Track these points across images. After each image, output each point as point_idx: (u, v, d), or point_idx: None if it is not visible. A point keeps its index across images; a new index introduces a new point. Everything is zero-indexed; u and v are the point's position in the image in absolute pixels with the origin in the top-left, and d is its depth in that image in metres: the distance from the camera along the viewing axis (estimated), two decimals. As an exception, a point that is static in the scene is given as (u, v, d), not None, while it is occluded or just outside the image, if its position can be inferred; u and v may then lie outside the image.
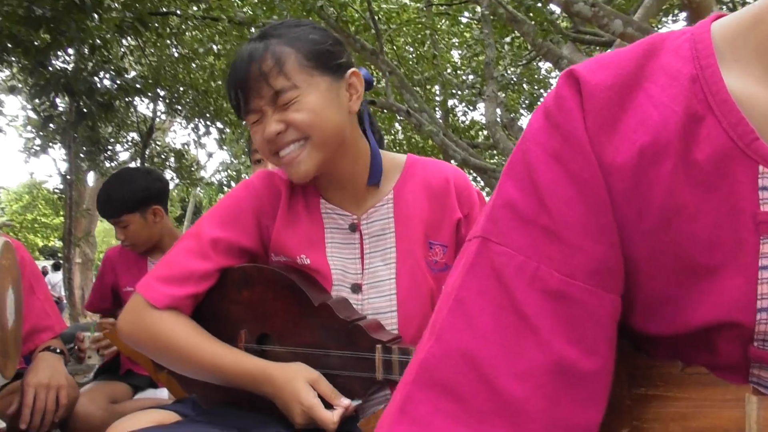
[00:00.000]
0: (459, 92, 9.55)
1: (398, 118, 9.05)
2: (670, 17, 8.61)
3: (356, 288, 1.09)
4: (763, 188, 0.41)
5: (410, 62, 9.58)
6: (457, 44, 10.55)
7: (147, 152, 10.84)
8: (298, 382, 0.98)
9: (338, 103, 1.04)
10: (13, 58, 4.92)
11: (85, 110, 4.83)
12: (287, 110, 1.00)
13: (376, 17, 7.34)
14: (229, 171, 17.01)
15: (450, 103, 10.33)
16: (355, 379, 1.01)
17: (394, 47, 9.24)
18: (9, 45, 4.26)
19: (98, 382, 2.12)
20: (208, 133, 11.61)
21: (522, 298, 0.44)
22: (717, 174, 0.43)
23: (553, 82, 10.14)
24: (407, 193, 1.13)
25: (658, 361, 0.46)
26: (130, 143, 11.43)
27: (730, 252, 0.42)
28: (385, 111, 7.46)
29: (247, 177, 1.74)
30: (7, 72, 7.84)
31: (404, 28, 9.11)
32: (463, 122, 11.26)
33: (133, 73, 8.94)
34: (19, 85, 8.13)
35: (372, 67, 7.20)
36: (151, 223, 2.12)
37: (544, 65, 10.16)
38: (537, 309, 0.44)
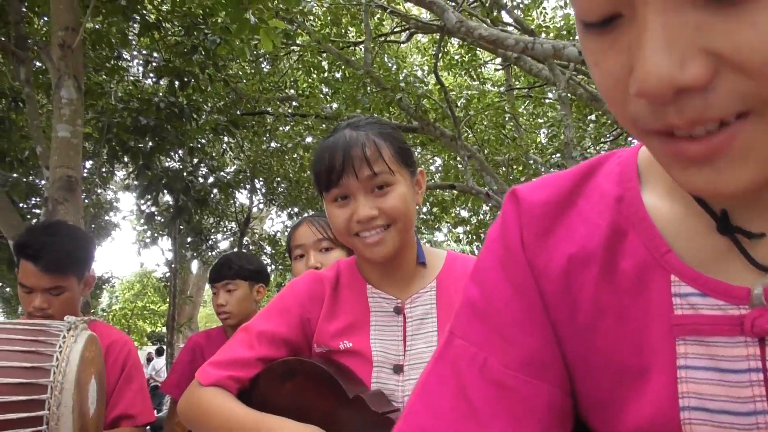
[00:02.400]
0: (544, 171, 9.48)
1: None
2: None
3: (398, 369, 1.11)
4: (675, 295, 0.45)
5: (493, 145, 9.69)
6: (541, 123, 10.61)
7: (245, 240, 11.46)
8: None
9: (413, 197, 1.15)
10: (126, 160, 5.52)
11: (181, 206, 5.29)
12: (381, 196, 1.09)
13: (456, 104, 7.58)
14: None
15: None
16: (386, 470, 1.00)
17: (476, 131, 9.42)
18: (119, 151, 4.80)
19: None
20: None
21: (471, 386, 0.50)
22: (638, 282, 0.47)
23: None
24: (449, 282, 1.18)
25: None
26: (229, 232, 12.11)
27: (654, 353, 0.45)
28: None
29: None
30: (124, 172, 8.71)
31: (485, 113, 9.30)
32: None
33: (233, 168, 9.65)
34: (135, 183, 8.98)
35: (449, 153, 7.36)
36: (252, 298, 2.28)
37: (633, 140, 9.93)
38: (482, 396, 0.49)
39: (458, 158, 8.22)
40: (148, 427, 1.91)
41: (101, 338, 1.56)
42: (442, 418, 0.50)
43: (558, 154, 9.39)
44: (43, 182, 6.53)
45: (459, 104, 8.76)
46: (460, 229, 11.82)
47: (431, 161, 11.29)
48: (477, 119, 9.31)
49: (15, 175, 5.09)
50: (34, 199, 6.40)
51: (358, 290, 1.19)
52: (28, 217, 6.28)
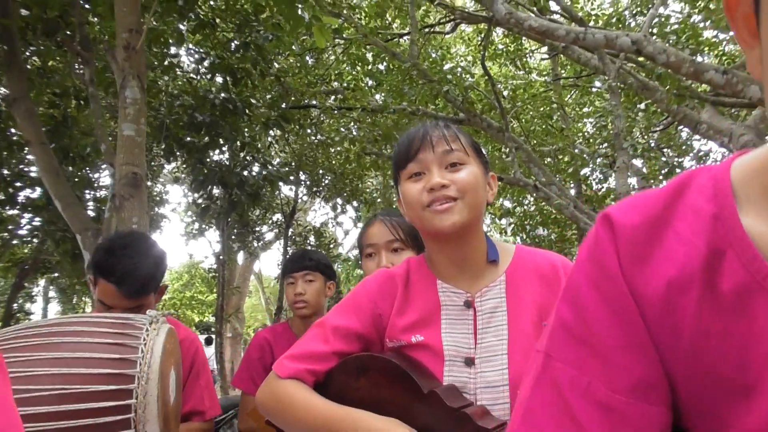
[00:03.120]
0: (592, 162, 9.30)
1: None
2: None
3: (469, 362, 1.14)
4: None
5: (539, 135, 9.55)
6: (588, 113, 10.38)
7: (290, 232, 11.63)
8: (402, 429, 1.05)
9: (484, 187, 1.20)
10: (178, 154, 5.69)
11: (235, 200, 5.43)
12: (454, 171, 1.16)
13: (502, 95, 7.50)
14: (363, 247, 17.58)
15: (584, 171, 10.08)
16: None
17: (522, 121, 9.30)
18: (175, 146, 4.96)
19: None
20: (344, 211, 12.25)
21: (577, 408, 0.51)
22: (739, 303, 0.47)
23: (696, 146, 9.57)
24: (518, 277, 1.21)
25: None
26: (274, 224, 12.29)
27: (762, 373, 0.46)
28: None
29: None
30: (173, 165, 8.93)
31: (531, 103, 9.17)
32: (597, 190, 10.88)
33: (277, 160, 9.80)
34: (182, 176, 9.20)
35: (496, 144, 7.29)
36: (324, 293, 2.38)
37: (685, 129, 9.64)
38: (589, 418, 0.50)
39: (503, 149, 8.14)
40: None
41: (173, 334, 1.64)
42: None
43: (605, 144, 9.20)
44: (98, 176, 6.80)
45: (505, 95, 8.67)
46: (504, 221, 11.71)
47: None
48: (523, 110, 9.19)
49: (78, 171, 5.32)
50: (90, 192, 6.66)
51: (428, 285, 1.23)
52: (89, 208, 6.51)
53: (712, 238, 0.49)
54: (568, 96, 10.43)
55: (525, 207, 11.11)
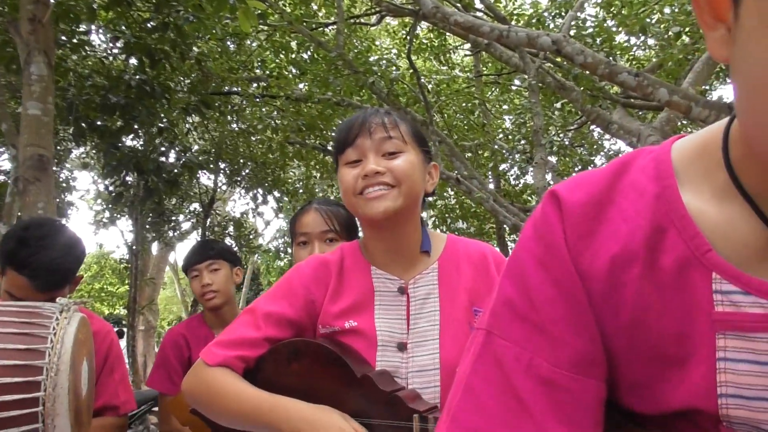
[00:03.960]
0: (510, 158, 9.62)
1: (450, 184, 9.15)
2: (718, 82, 8.51)
3: (402, 346, 1.16)
4: (716, 291, 0.48)
5: (461, 130, 9.76)
6: (508, 110, 10.71)
7: (208, 222, 11.28)
8: (335, 416, 1.06)
9: (422, 177, 1.22)
10: (89, 137, 5.37)
11: (151, 187, 5.19)
12: (391, 159, 1.16)
13: (426, 89, 7.59)
14: (285, 238, 17.45)
15: (502, 167, 10.41)
16: (395, 447, 1.04)
17: (445, 116, 9.46)
18: (86, 129, 4.66)
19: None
20: (265, 202, 12.03)
21: (519, 384, 0.51)
22: (679, 278, 0.49)
23: (606, 145, 10.10)
24: (450, 264, 1.24)
25: (634, 429, 0.51)
26: (192, 214, 11.91)
27: (694, 345, 0.48)
28: (436, 178, 7.57)
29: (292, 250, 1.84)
30: (82, 149, 8.44)
31: (454, 98, 9.35)
32: (515, 185, 11.27)
33: (196, 147, 9.46)
34: (92, 161, 8.71)
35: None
36: (232, 280, 2.32)
37: (596, 129, 10.16)
38: (531, 394, 0.51)
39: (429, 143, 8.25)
40: None
41: (87, 324, 1.55)
42: (494, 418, 0.51)
43: (524, 141, 9.54)
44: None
45: (429, 89, 8.78)
46: (424, 214, 11.92)
47: (399, 145, 11.27)
48: (446, 105, 9.35)
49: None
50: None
51: (362, 272, 1.23)
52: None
53: (655, 216, 0.51)
54: (490, 93, 10.71)
55: (446, 200, 11.36)
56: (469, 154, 9.89)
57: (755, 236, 0.48)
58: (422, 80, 7.75)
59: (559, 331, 0.52)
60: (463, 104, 9.54)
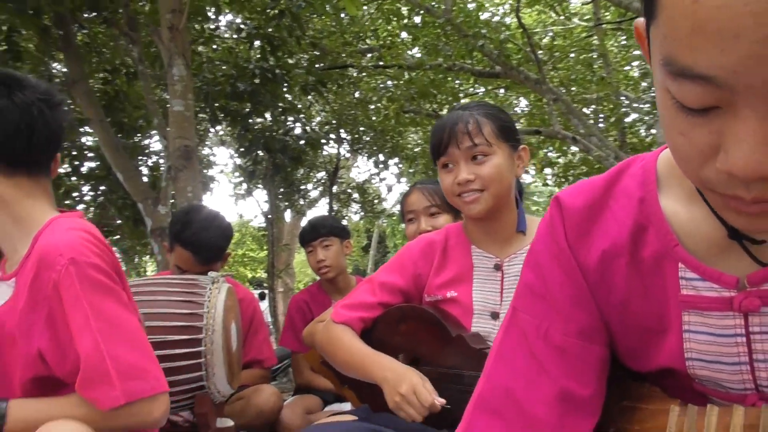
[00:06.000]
0: (638, 108, 9.10)
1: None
2: None
3: (495, 315, 1.35)
4: (682, 278, 0.60)
5: (581, 83, 9.36)
6: (634, 57, 10.07)
7: (334, 189, 11.86)
8: (411, 372, 1.26)
9: (511, 168, 1.38)
10: (221, 119, 5.94)
11: (279, 163, 5.68)
12: (479, 165, 1.33)
13: (539, 45, 7.39)
14: (407, 202, 17.68)
15: (630, 118, 9.86)
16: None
17: (562, 69, 9.12)
18: (219, 114, 5.19)
19: (296, 396, 2.57)
20: (386, 167, 12.38)
21: (538, 349, 0.66)
22: (656, 268, 0.62)
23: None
24: None
25: (634, 383, 0.66)
26: (319, 182, 12.54)
27: (669, 320, 0.62)
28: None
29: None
30: (219, 127, 9.20)
31: (572, 50, 8.97)
32: (644, 138, 10.64)
33: (318, 119, 9.96)
34: (228, 138, 9.48)
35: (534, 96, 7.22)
36: (343, 252, 2.61)
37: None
38: (548, 356, 0.66)
39: (544, 100, 8.07)
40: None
41: (232, 294, 1.91)
42: (519, 375, 0.66)
43: (654, 89, 8.87)
44: (149, 143, 7.13)
45: (543, 44, 8.52)
46: (548, 171, 11.64)
47: (516, 103, 11.07)
48: (562, 59, 9.01)
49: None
50: (142, 159, 7.02)
51: (463, 249, 1.43)
52: (143, 174, 6.86)
53: (638, 217, 0.63)
54: (612, 41, 10.12)
55: (569, 157, 11.01)
56: (592, 108, 9.50)
57: (715, 233, 0.59)
58: (536, 35, 7.55)
59: (567, 308, 0.65)
60: (582, 56, 9.12)
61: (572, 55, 9.03)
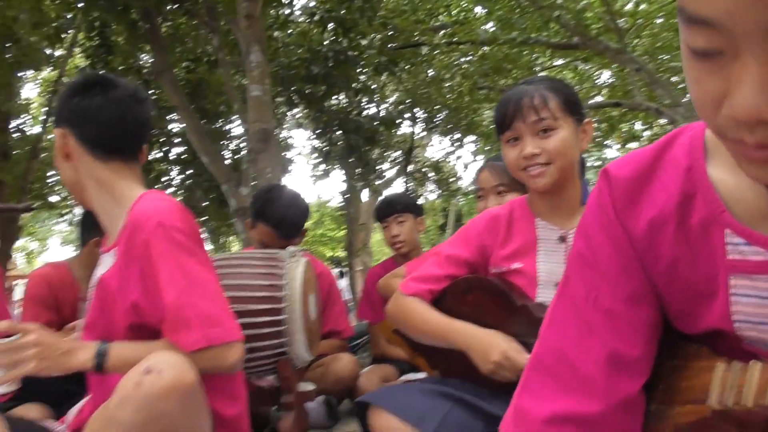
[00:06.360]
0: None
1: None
2: None
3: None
4: (728, 243, 0.62)
5: (668, 50, 8.88)
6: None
7: (409, 168, 11.92)
8: (497, 338, 1.30)
9: (576, 141, 1.38)
10: (297, 103, 6.13)
11: (353, 144, 5.81)
12: (544, 139, 1.34)
13: (620, 13, 7.06)
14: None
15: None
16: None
17: (647, 36, 8.69)
18: (295, 97, 5.37)
19: (373, 365, 2.68)
20: (461, 145, 12.31)
21: (588, 314, 0.70)
22: (703, 234, 0.64)
23: None
24: None
25: (684, 343, 0.68)
26: (394, 162, 12.64)
27: (717, 284, 0.63)
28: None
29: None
30: (296, 110, 9.47)
31: (657, 18, 8.52)
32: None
33: (392, 99, 10.02)
34: (305, 122, 9.73)
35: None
36: (416, 229, 2.68)
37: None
38: (598, 321, 0.69)
39: (626, 70, 7.73)
40: None
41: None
42: (570, 338, 0.70)
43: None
44: (230, 127, 7.45)
45: (625, 11, 8.14)
46: (633, 144, 11.15)
47: (597, 75, 10.66)
48: (648, 24, 8.58)
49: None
50: (224, 143, 7.36)
51: (528, 222, 1.45)
52: (226, 158, 7.20)
53: (685, 185, 0.65)
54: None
55: (655, 129, 10.52)
56: (681, 75, 9.01)
57: (760, 200, 0.60)
58: (617, 2, 7.22)
59: (615, 276, 0.67)
60: (668, 21, 8.64)
61: (658, 20, 8.58)
